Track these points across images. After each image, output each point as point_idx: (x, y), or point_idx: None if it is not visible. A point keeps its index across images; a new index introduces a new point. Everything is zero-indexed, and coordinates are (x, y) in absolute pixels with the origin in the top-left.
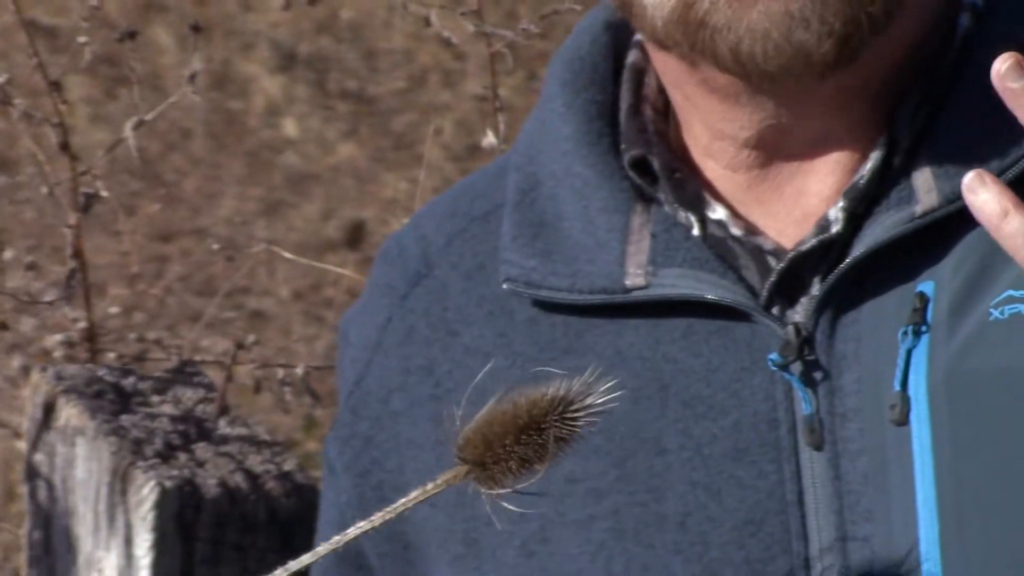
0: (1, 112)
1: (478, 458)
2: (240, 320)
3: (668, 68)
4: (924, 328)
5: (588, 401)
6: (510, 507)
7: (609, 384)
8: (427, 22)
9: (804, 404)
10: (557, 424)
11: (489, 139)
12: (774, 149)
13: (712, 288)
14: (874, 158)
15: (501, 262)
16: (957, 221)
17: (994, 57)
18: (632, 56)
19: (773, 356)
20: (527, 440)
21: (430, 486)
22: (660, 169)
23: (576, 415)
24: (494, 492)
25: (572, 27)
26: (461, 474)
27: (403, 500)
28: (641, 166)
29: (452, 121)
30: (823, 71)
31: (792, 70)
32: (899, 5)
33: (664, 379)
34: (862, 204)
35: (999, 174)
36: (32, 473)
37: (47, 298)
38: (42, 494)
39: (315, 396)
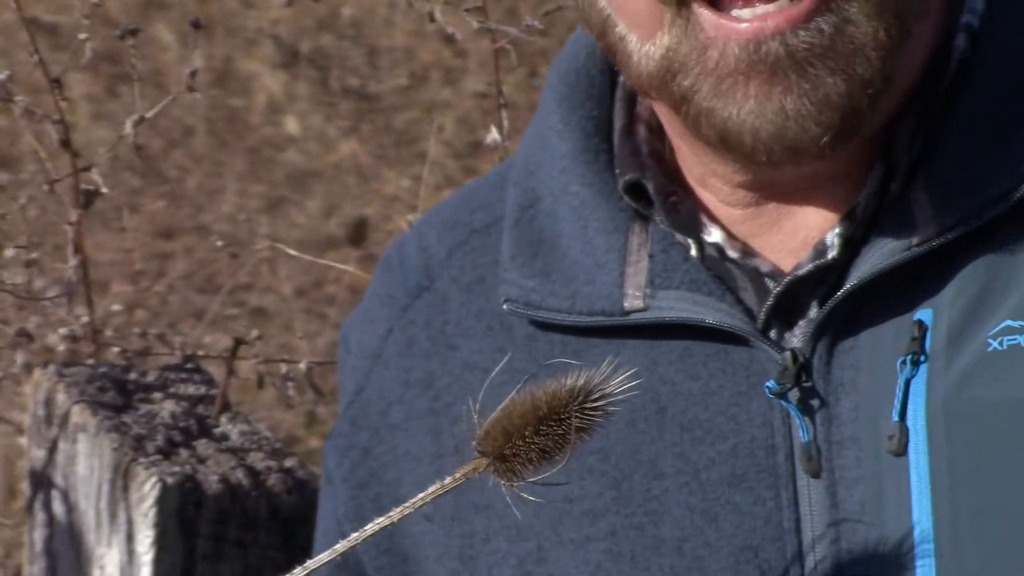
0: (3, 109)
1: (497, 450)
2: (242, 317)
3: (657, 105)
4: (923, 358)
5: (608, 390)
6: (530, 499)
7: (628, 373)
8: (431, 18)
9: (801, 431)
10: (577, 414)
11: (493, 135)
12: (770, 188)
13: (710, 311)
14: (870, 185)
15: (500, 281)
16: (955, 248)
17: (992, 82)
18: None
19: (770, 384)
20: (547, 431)
21: (448, 480)
22: (654, 193)
23: (596, 404)
24: (513, 484)
25: (575, 24)
26: (481, 466)
27: (422, 495)
28: (636, 189)
29: (453, 118)
30: (819, 157)
31: (783, 163)
32: (896, 67)
33: (661, 401)
34: (860, 230)
35: (997, 200)
36: (34, 470)
37: (49, 295)
38: (44, 491)
39: (318, 392)
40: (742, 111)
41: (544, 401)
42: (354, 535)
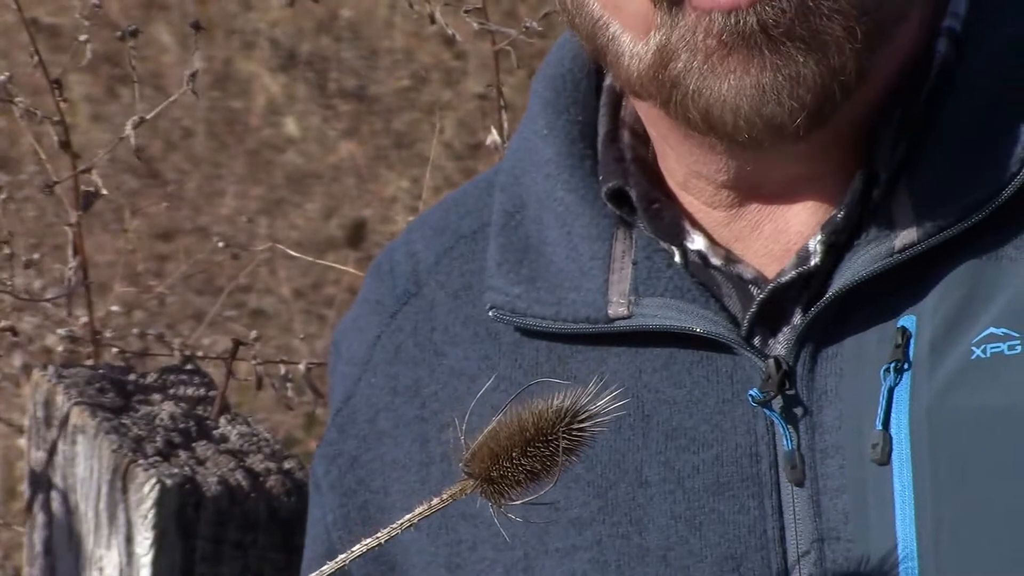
0: (3, 110)
1: (485, 472)
2: (241, 318)
3: (643, 108)
4: (906, 365)
5: (595, 410)
6: (517, 519)
7: (615, 392)
8: (431, 19)
9: (785, 440)
10: (565, 435)
11: (493, 137)
12: (752, 190)
13: (695, 319)
14: (852, 191)
15: (486, 288)
16: (938, 254)
17: (974, 87)
18: (610, 77)
19: (753, 392)
20: (534, 452)
21: (436, 501)
22: (637, 200)
23: (583, 425)
24: (501, 505)
25: None
26: (468, 488)
27: (409, 516)
28: (620, 196)
29: (453, 120)
30: (795, 139)
31: (763, 140)
32: (871, 64)
33: (646, 409)
34: (843, 236)
35: (980, 206)
36: (33, 472)
37: (48, 296)
38: (43, 492)
39: (317, 393)
40: (723, 87)
41: (531, 423)
42: (341, 557)
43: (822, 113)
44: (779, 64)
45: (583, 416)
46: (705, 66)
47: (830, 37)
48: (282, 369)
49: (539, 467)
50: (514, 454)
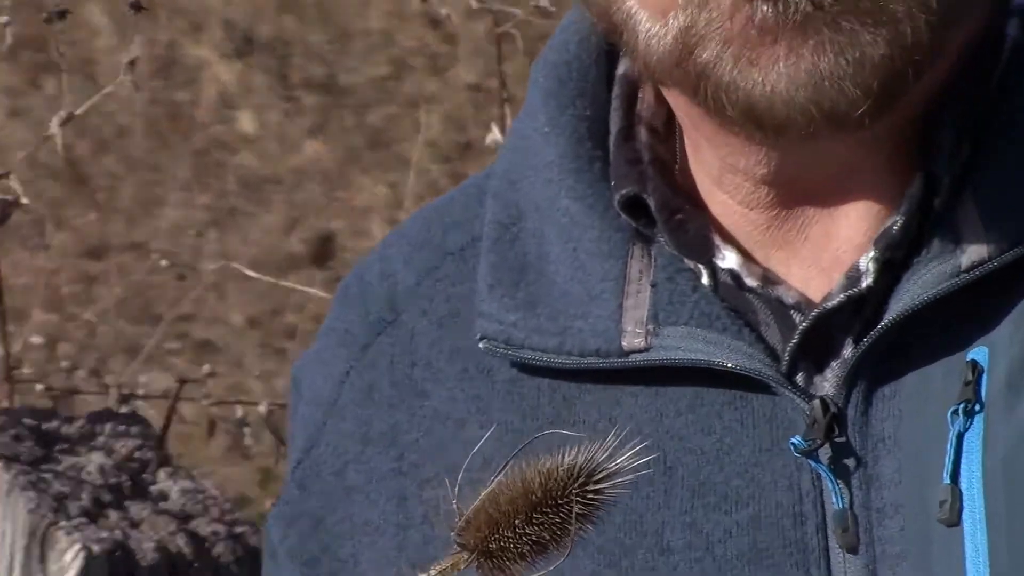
0: None
1: (482, 543)
2: (185, 352)
3: (670, 94)
4: (977, 407)
5: (614, 469)
6: None
7: (638, 448)
8: None
9: (834, 497)
10: (579, 498)
11: (493, 135)
12: (796, 188)
13: (725, 352)
14: (909, 197)
15: (476, 315)
16: (1013, 274)
17: None
18: (624, 64)
19: (795, 440)
20: (541, 519)
21: None
22: (657, 210)
23: (600, 487)
24: None
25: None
26: (461, 562)
27: None
28: (636, 205)
29: (440, 115)
30: (858, 128)
31: (820, 132)
32: (946, 40)
33: (668, 460)
34: (899, 251)
35: None
36: None
37: None
38: None
39: (280, 440)
40: (769, 77)
41: (538, 483)
42: None
43: (891, 99)
44: (841, 44)
45: (600, 475)
46: (742, 55)
47: (902, 8)
48: (238, 411)
49: (547, 536)
50: (517, 521)
